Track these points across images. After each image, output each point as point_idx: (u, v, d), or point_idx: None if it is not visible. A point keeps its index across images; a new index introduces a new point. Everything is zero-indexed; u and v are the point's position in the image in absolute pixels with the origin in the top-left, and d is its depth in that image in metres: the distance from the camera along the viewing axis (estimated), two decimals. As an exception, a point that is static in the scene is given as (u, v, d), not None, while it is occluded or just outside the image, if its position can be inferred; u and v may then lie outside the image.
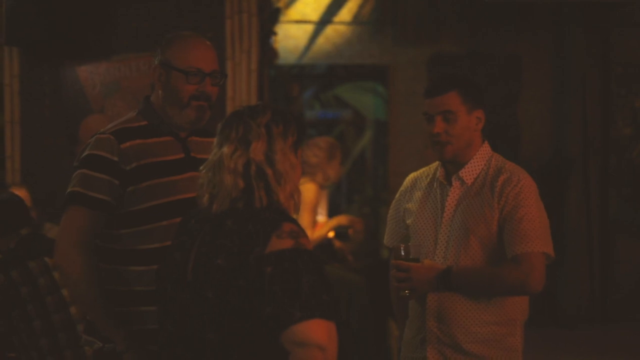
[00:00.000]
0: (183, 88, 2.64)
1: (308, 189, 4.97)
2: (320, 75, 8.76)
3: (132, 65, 5.48)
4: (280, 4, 7.34)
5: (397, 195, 3.04)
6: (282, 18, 7.31)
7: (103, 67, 5.50)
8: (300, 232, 2.05)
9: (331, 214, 7.43)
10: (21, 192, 4.73)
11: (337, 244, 5.59)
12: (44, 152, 5.56)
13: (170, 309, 2.16)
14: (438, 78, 2.92)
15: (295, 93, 7.36)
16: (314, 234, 5.03)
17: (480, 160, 2.84)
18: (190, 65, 2.64)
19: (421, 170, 3.02)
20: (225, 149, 2.11)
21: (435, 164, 2.95)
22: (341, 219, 5.59)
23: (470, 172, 2.83)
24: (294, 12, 7.71)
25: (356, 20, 7.79)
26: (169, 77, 2.65)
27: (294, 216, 2.13)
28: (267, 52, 5.89)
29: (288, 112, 2.19)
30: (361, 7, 7.78)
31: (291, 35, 7.67)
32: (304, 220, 4.89)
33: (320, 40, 7.77)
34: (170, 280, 2.17)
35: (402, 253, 2.77)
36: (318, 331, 1.94)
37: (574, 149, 7.69)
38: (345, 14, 7.79)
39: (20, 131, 5.58)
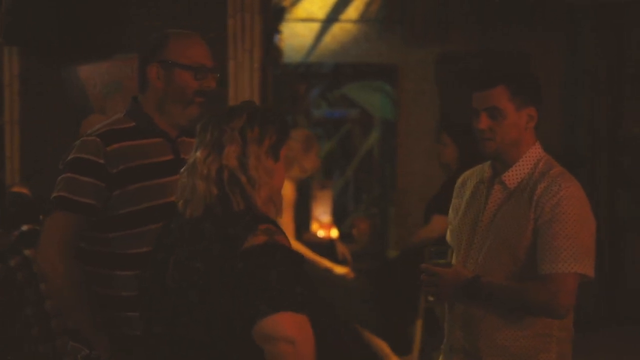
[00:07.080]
0: (189, 84, 2.60)
1: (284, 187, 4.83)
2: (327, 74, 8.71)
3: (133, 65, 5.39)
4: (286, 3, 7.29)
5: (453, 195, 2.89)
6: (288, 16, 7.28)
7: (104, 67, 5.44)
8: (276, 230, 2.02)
9: (338, 214, 7.38)
10: (23, 192, 4.72)
11: (340, 247, 5.50)
12: (44, 152, 5.52)
13: (158, 311, 2.14)
14: (488, 70, 2.70)
15: (302, 92, 7.30)
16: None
17: (528, 163, 2.63)
18: (196, 61, 2.61)
19: (473, 169, 2.84)
20: (199, 154, 2.09)
21: (488, 162, 2.75)
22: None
23: (514, 176, 2.62)
24: (300, 10, 7.64)
25: (363, 18, 7.71)
26: (172, 75, 2.61)
27: (278, 219, 2.11)
28: (271, 51, 5.82)
29: (269, 113, 2.14)
30: (368, 5, 7.70)
31: (297, 33, 7.61)
32: (282, 219, 4.76)
33: (327, 39, 7.71)
34: (155, 284, 2.15)
35: (433, 256, 2.65)
36: (285, 324, 1.89)
37: (585, 148, 7.59)
38: (352, 12, 7.71)
39: (19, 131, 5.56)
